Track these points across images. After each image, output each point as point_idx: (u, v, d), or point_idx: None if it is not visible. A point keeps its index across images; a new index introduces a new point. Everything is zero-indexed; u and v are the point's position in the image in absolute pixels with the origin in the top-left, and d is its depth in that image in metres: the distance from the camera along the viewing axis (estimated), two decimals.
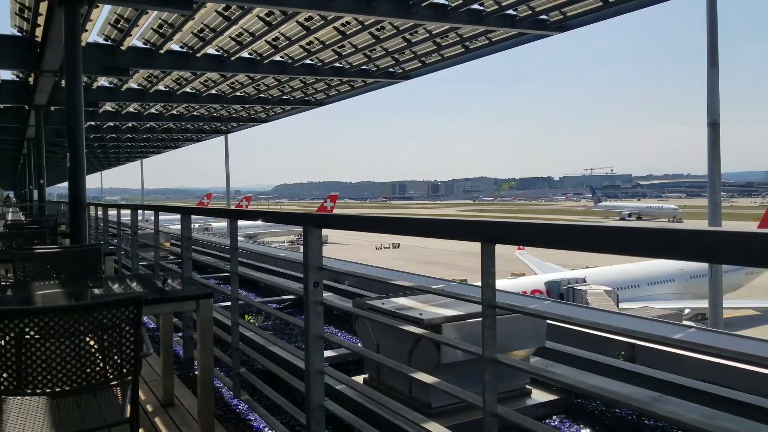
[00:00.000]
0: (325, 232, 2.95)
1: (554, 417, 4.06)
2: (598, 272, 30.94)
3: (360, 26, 10.09)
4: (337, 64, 12.49)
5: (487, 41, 10.71)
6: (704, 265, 18.08)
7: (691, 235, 1.46)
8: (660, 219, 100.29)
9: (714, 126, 10.27)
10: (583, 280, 28.43)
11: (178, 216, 5.27)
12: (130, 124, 20.46)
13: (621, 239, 1.61)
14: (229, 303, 4.38)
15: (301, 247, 3.09)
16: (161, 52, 11.00)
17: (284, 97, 16.36)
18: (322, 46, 11.09)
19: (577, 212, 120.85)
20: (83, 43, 9.41)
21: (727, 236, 1.40)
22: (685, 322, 21.53)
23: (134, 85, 14.43)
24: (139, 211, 8.01)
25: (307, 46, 11.26)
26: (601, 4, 8.65)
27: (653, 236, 1.56)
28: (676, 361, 4.35)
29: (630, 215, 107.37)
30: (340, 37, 10.56)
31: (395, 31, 10.37)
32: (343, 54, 11.72)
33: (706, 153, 10.49)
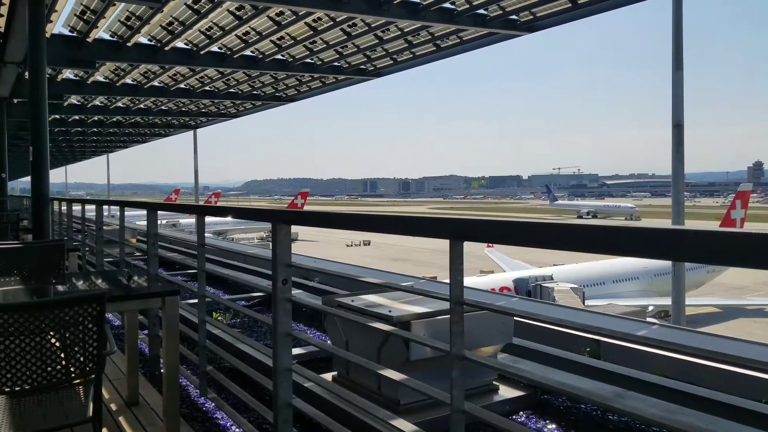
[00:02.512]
0: (295, 229, 2.93)
1: (521, 413, 4.11)
2: (565, 270, 31.45)
3: (331, 22, 10.03)
4: (308, 60, 12.41)
5: (458, 40, 10.77)
6: (668, 264, 18.51)
7: (654, 234, 1.49)
8: (616, 217, 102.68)
9: (678, 127, 10.49)
10: (551, 278, 28.87)
11: (145, 212, 5.18)
12: (96, 118, 19.99)
13: (586, 237, 1.64)
14: (196, 300, 4.32)
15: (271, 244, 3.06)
16: (129, 44, 10.77)
17: (254, 92, 16.19)
18: (293, 41, 11.00)
19: (537, 210, 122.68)
20: (48, 35, 9.14)
21: (689, 235, 1.43)
22: (648, 319, 22.08)
23: (101, 78, 14.10)
24: (105, 207, 7.84)
25: (278, 42, 11.16)
26: (570, 5, 8.77)
27: (618, 234, 1.58)
28: (640, 357, 4.45)
29: (588, 213, 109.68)
30: (312, 32, 10.49)
31: (367, 28, 10.35)
32: (315, 50, 11.65)
33: (670, 154, 10.74)
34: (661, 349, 4.17)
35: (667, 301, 21.49)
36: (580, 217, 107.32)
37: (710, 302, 32.71)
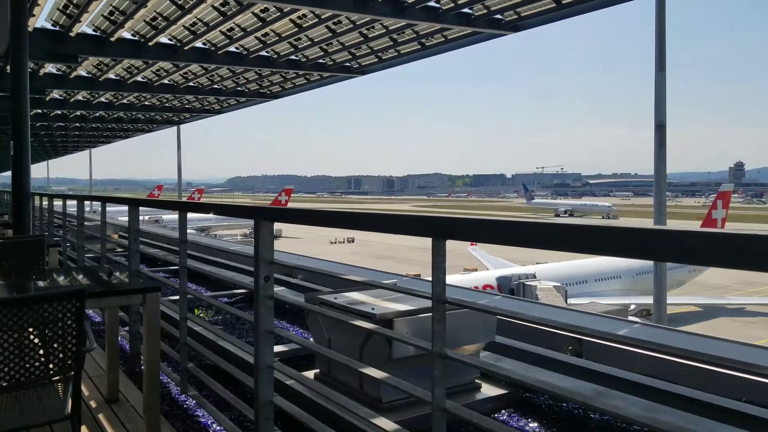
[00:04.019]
0: (278, 226, 2.91)
1: (503, 411, 4.12)
2: (548, 268, 31.67)
3: (316, 19, 9.98)
4: (293, 57, 12.34)
5: (443, 39, 10.77)
6: (650, 263, 18.73)
7: (636, 234, 1.49)
8: (593, 216, 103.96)
9: (661, 128, 10.60)
10: (533, 276, 29.05)
11: (127, 208, 5.12)
12: (78, 113, 19.71)
13: (568, 237, 1.64)
14: (177, 297, 4.27)
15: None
16: (112, 39, 10.63)
17: (239, 88, 16.07)
18: (278, 38, 10.93)
19: (516, 209, 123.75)
20: (30, 28, 8.99)
21: (671, 235, 1.44)
22: (630, 318, 22.34)
23: (83, 73, 13.90)
24: (86, 202, 7.74)
25: (262, 38, 11.08)
26: (554, 5, 8.80)
27: (600, 234, 1.59)
28: (621, 356, 4.49)
29: (565, 212, 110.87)
30: (297, 29, 10.43)
31: (352, 25, 10.32)
32: (300, 47, 11.59)
33: (652, 154, 10.84)
34: (642, 348, 4.20)
35: (648, 300, 21.74)
36: (557, 215, 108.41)
37: (691, 301, 33.19)
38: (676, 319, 27.82)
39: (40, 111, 18.26)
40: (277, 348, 4.81)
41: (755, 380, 3.69)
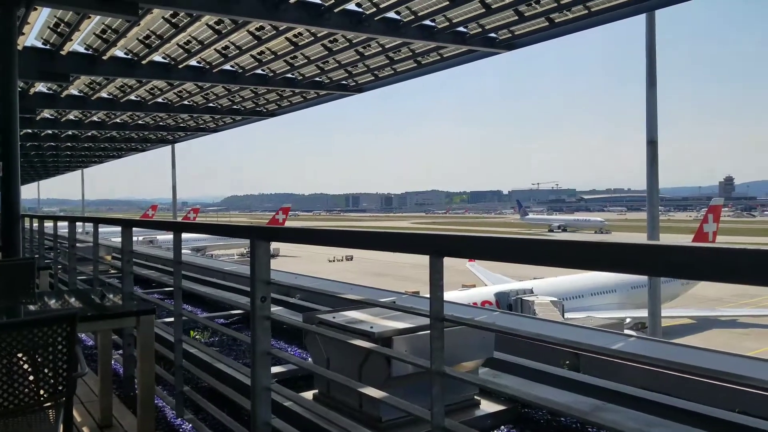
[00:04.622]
0: (276, 244, 2.91)
1: (502, 427, 4.10)
2: (545, 283, 31.74)
3: (312, 38, 10.06)
4: (289, 75, 12.41)
5: (439, 57, 10.87)
6: (644, 276, 18.77)
7: (630, 250, 1.50)
8: (586, 231, 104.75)
9: (652, 144, 10.71)
10: (531, 291, 29.11)
11: (118, 228, 5.10)
12: (70, 132, 19.70)
13: (564, 253, 1.65)
14: (172, 319, 4.25)
15: None
16: (104, 58, 10.66)
17: (234, 107, 16.12)
18: (273, 56, 11.00)
19: (511, 225, 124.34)
20: (20, 47, 9.02)
21: (664, 251, 1.45)
22: (626, 331, 22.29)
23: (75, 92, 13.92)
24: (78, 224, 7.71)
25: (258, 56, 11.15)
26: (547, 24, 8.92)
27: (596, 250, 1.60)
28: (618, 370, 4.49)
29: (559, 227, 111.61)
30: (292, 47, 10.50)
31: (348, 43, 10.40)
32: (296, 65, 11.66)
33: (645, 170, 10.95)
34: (638, 362, 4.20)
35: (643, 314, 21.72)
36: (551, 230, 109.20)
37: (685, 314, 33.28)
38: (671, 331, 27.85)
39: (30, 131, 18.23)
40: (275, 369, 4.77)
41: (748, 391, 3.70)
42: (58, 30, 9.48)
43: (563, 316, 26.56)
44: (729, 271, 1.34)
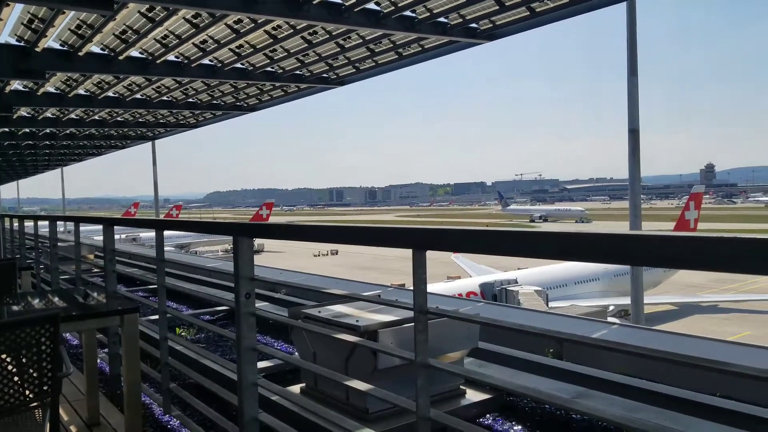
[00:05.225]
0: (260, 240, 2.92)
1: (488, 415, 4.16)
2: (529, 273, 32.03)
3: (292, 30, 9.99)
4: (269, 69, 12.31)
5: (420, 48, 10.85)
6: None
7: (611, 240, 1.54)
8: (567, 220, 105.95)
9: (634, 132, 10.85)
10: (515, 281, 29.35)
11: (101, 227, 5.07)
12: (48, 131, 19.37)
13: (546, 245, 1.68)
14: (157, 317, 4.24)
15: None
16: (80, 54, 10.49)
17: (214, 101, 15.96)
18: (252, 49, 10.91)
19: (492, 216, 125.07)
20: None
21: (645, 240, 1.48)
22: (609, 319, 22.63)
23: (51, 89, 13.68)
24: (59, 223, 7.64)
25: (237, 50, 11.05)
26: (528, 13, 8.94)
27: (575, 241, 1.64)
28: (601, 357, 4.57)
29: (540, 217, 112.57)
30: (272, 41, 10.42)
31: (328, 36, 10.35)
32: (275, 58, 11.58)
33: (627, 158, 11.08)
34: (620, 351, 4.29)
35: (626, 301, 22.06)
36: (532, 221, 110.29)
37: (667, 300, 33.85)
38: (653, 318, 28.31)
39: (7, 129, 17.92)
40: (262, 364, 4.78)
41: (729, 376, 3.79)
42: (32, 26, 9.31)
43: (547, 306, 26.85)
44: (708, 259, 1.36)
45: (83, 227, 6.44)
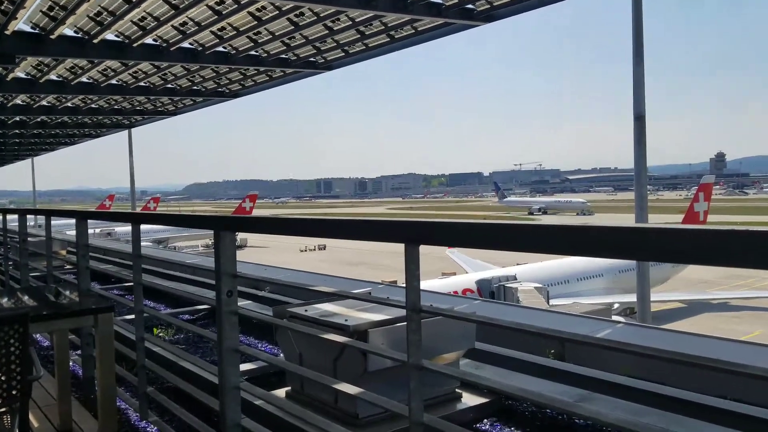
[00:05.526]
0: (243, 235, 2.90)
1: (485, 420, 4.16)
2: (529, 269, 32.11)
3: (277, 11, 9.92)
4: (252, 53, 12.23)
5: (414, 31, 10.80)
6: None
7: (615, 233, 1.53)
8: (567, 213, 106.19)
9: (640, 119, 10.87)
10: (514, 278, 29.44)
11: (74, 221, 5.03)
12: (17, 119, 19.23)
13: (545, 238, 1.67)
14: (133, 316, 4.22)
15: None
16: (52, 37, 10.38)
17: (195, 87, 15.86)
18: (235, 32, 10.84)
19: (488, 208, 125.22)
20: None
21: (652, 233, 1.47)
22: (614, 317, 22.76)
23: (21, 75, 13.56)
24: (29, 216, 7.57)
25: (218, 33, 10.97)
26: None
27: (577, 234, 1.62)
28: (605, 358, 4.58)
29: (539, 210, 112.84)
30: (256, 23, 10.35)
31: (315, 17, 10.29)
32: (260, 41, 11.51)
33: (632, 147, 11.10)
34: (626, 352, 4.30)
35: (632, 298, 22.20)
36: (531, 213, 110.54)
37: (675, 297, 34.00)
38: (661, 316, 28.45)
39: None
40: (245, 366, 4.77)
41: (741, 378, 3.79)
42: (2, 8, 9.21)
43: (548, 303, 26.96)
44: (718, 254, 1.34)
45: (55, 221, 6.38)
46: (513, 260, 36.47)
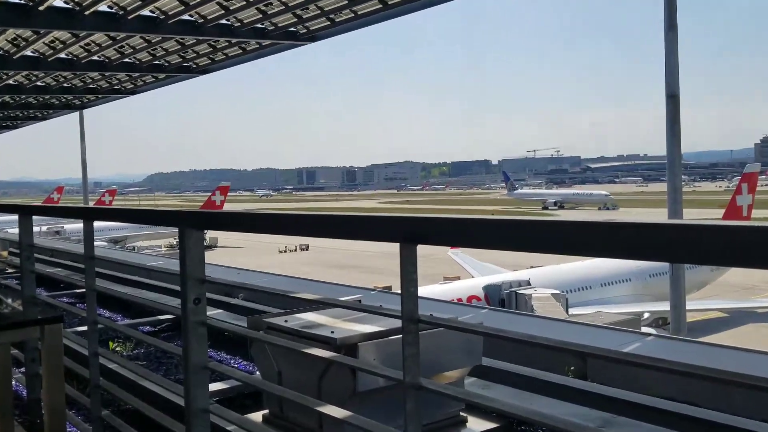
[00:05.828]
0: (213, 233, 2.90)
1: None
2: (544, 273, 32.16)
3: None
4: (223, 21, 12.20)
5: None
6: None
7: (641, 231, 1.53)
8: (588, 207, 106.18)
9: (673, 98, 10.84)
10: (527, 283, 29.47)
11: (16, 217, 5.02)
12: None
13: (562, 237, 1.67)
14: (85, 328, 4.21)
15: None
16: None
17: (156, 62, 15.82)
18: None
19: (496, 202, 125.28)
20: None
21: (687, 230, 1.47)
22: (644, 329, 22.84)
23: None
24: None
25: None
26: None
27: (599, 233, 1.62)
28: (633, 376, 4.59)
29: (555, 204, 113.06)
30: None
31: None
32: (231, 8, 11.47)
33: (664, 131, 11.08)
34: (657, 369, 4.31)
35: (665, 307, 22.31)
36: (545, 207, 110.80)
37: (715, 306, 34.06)
38: (698, 327, 28.55)
39: None
40: (215, 386, 4.76)
41: None
42: None
43: (567, 313, 27.05)
44: (766, 255, 1.34)
45: None
46: (526, 262, 36.53)
